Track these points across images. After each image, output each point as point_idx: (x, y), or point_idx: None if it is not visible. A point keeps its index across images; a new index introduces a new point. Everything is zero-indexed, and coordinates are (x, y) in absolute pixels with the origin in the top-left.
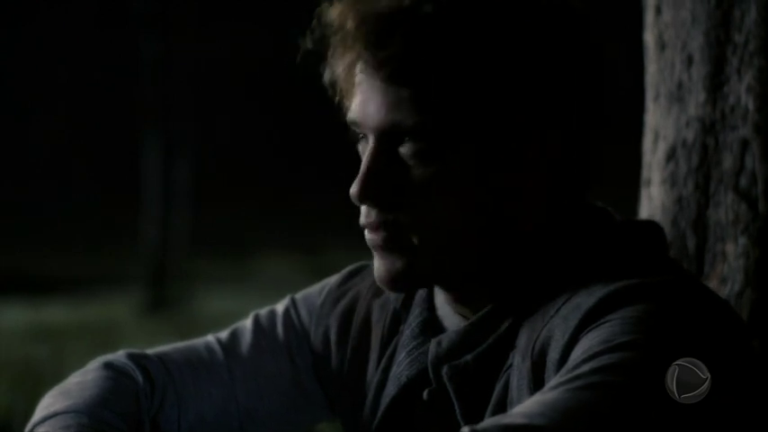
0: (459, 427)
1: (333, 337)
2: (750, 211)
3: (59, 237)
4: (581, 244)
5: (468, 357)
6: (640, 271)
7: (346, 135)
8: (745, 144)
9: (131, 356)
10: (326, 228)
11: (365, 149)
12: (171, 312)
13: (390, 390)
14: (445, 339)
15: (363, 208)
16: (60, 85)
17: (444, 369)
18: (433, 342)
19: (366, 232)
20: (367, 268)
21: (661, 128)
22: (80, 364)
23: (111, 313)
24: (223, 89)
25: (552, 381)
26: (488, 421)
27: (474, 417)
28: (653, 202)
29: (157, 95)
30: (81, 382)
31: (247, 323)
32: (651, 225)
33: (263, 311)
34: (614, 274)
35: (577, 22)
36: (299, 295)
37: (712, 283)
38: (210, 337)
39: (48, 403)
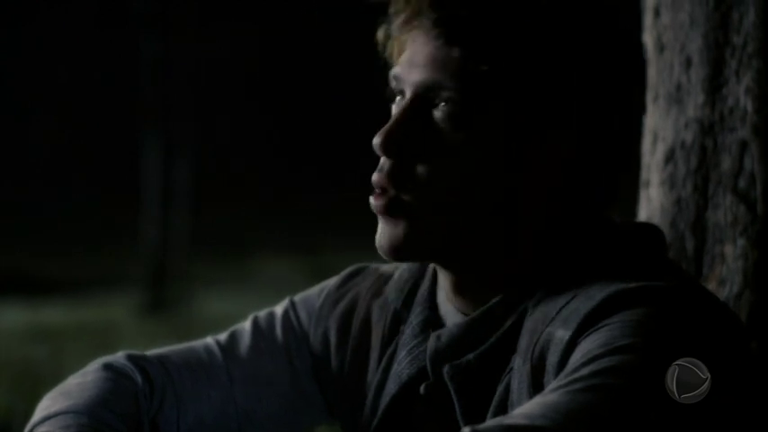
0: (459, 427)
1: (333, 339)
2: (749, 213)
3: (59, 237)
4: (582, 246)
5: (471, 356)
6: (640, 274)
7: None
8: (743, 146)
9: (131, 358)
10: (326, 228)
11: (398, 107)
12: (170, 313)
13: (391, 388)
14: (445, 334)
15: (380, 161)
16: (60, 85)
17: (446, 368)
18: (433, 336)
19: (372, 199)
20: (366, 269)
21: (660, 129)
22: (79, 365)
23: (111, 314)
24: (223, 89)
25: (552, 383)
26: (490, 422)
27: (474, 417)
28: (652, 203)
29: (157, 95)
30: (81, 383)
31: (246, 325)
32: (650, 227)
33: (262, 313)
34: (614, 278)
35: (626, 42)
36: (297, 297)
37: (711, 285)
38: (209, 339)
39: (47, 404)
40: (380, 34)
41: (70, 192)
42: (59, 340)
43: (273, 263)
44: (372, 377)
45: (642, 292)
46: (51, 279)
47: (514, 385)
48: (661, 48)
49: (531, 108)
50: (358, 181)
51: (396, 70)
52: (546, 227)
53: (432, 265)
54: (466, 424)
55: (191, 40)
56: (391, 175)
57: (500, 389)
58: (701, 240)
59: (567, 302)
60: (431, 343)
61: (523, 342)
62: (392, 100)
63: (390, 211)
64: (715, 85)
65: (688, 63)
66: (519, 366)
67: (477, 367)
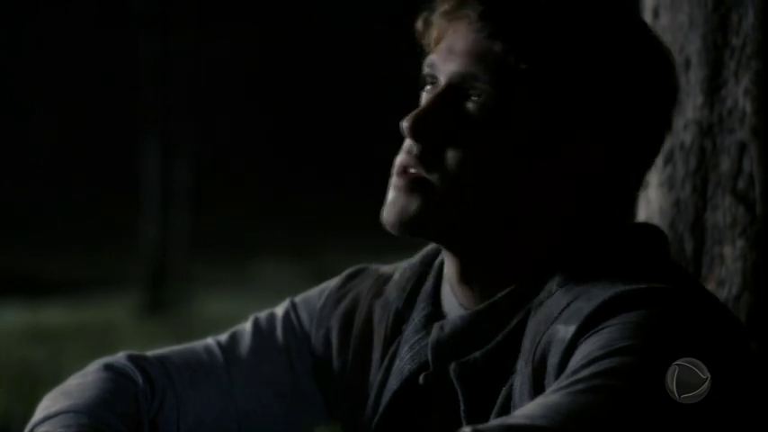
0: (460, 421)
1: (334, 340)
2: (747, 214)
3: (58, 237)
4: (586, 246)
5: (478, 355)
6: (642, 276)
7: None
8: (742, 147)
9: (131, 358)
10: (326, 229)
11: (430, 94)
12: (170, 314)
13: (392, 384)
14: (448, 324)
15: (407, 143)
16: (60, 85)
17: (453, 366)
18: (436, 326)
19: (393, 177)
20: (366, 270)
21: None
22: (78, 366)
23: (110, 315)
24: (223, 89)
25: (553, 385)
26: (491, 422)
27: (477, 415)
28: (650, 204)
29: (157, 95)
30: (81, 383)
31: (247, 326)
32: (652, 228)
33: (263, 314)
34: (615, 279)
35: (664, 62)
36: (298, 298)
37: (710, 286)
38: (210, 340)
39: (48, 404)
40: (420, 21)
41: (70, 192)
42: (58, 341)
43: (273, 264)
44: (374, 376)
45: (643, 294)
46: (50, 279)
47: (517, 386)
48: None
49: (564, 112)
50: (358, 181)
51: (432, 57)
52: (561, 228)
53: (437, 261)
54: (469, 422)
55: (191, 40)
56: (421, 157)
57: (504, 390)
58: (699, 241)
59: (569, 304)
60: (433, 333)
61: (526, 343)
62: (423, 86)
63: (411, 186)
64: (714, 87)
65: (687, 64)
66: (521, 368)
67: (484, 366)
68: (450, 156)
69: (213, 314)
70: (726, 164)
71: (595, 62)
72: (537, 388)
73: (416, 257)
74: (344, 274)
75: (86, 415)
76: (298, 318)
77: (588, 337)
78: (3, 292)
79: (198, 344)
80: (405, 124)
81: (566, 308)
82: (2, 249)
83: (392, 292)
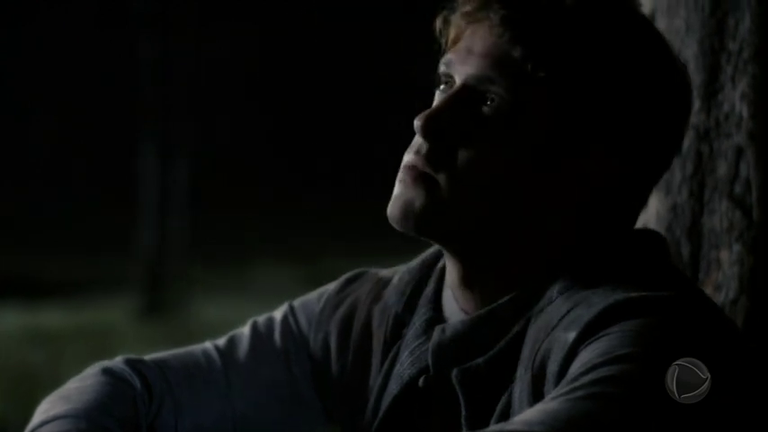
0: (461, 429)
1: (333, 344)
2: (745, 219)
3: (58, 238)
4: (587, 253)
5: (480, 361)
6: (642, 283)
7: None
8: (739, 151)
9: (129, 362)
10: (326, 231)
11: (444, 93)
12: (168, 317)
13: (392, 389)
14: (450, 328)
15: (416, 142)
16: (60, 85)
17: (455, 372)
18: (437, 329)
19: (400, 173)
20: (365, 274)
21: None
22: (77, 368)
23: (108, 318)
24: (223, 89)
25: (553, 392)
26: (490, 428)
27: (478, 422)
28: (647, 209)
29: (157, 96)
30: (79, 387)
31: (245, 330)
32: (653, 234)
33: (261, 318)
34: (616, 286)
35: (681, 81)
36: (297, 302)
37: (707, 291)
38: (208, 344)
39: (46, 407)
40: (439, 20)
41: (70, 192)
42: (56, 344)
43: (273, 266)
44: (374, 381)
45: (643, 302)
46: (49, 281)
47: (516, 393)
48: None
49: (579, 124)
50: (358, 181)
51: (449, 56)
52: (565, 237)
53: (438, 266)
54: (469, 427)
55: (191, 40)
56: (429, 156)
57: (504, 396)
58: (696, 246)
59: (569, 311)
60: (434, 337)
61: (526, 350)
62: (437, 85)
63: (418, 181)
64: (711, 91)
65: None
66: (521, 374)
67: (486, 373)
68: (460, 157)
69: (212, 317)
70: (723, 168)
71: (614, 75)
72: (536, 395)
73: (415, 262)
74: (343, 278)
75: (85, 419)
76: (296, 322)
77: (588, 344)
78: (1, 294)
79: (196, 348)
80: (417, 122)
81: (565, 315)
82: (1, 250)
83: (391, 296)
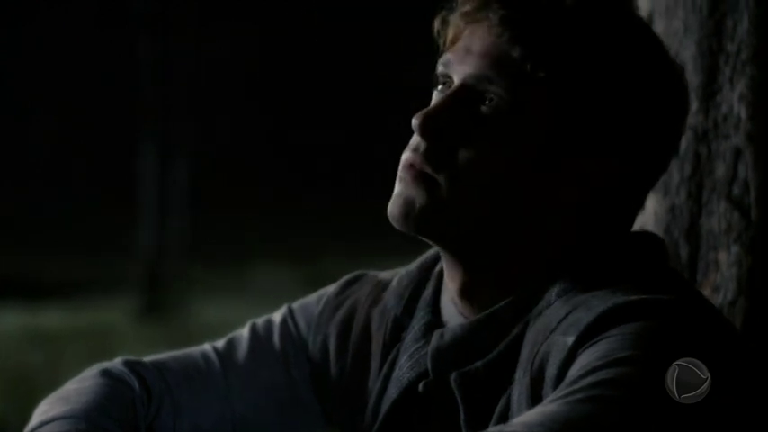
0: (459, 429)
1: (332, 346)
2: (743, 220)
3: (58, 238)
4: (586, 256)
5: (479, 364)
6: (641, 286)
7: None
8: (737, 153)
9: (128, 364)
10: (326, 231)
11: (442, 93)
12: (168, 318)
13: (392, 393)
14: (448, 332)
15: (414, 140)
16: (60, 85)
17: (454, 375)
18: (436, 333)
19: (400, 171)
20: (364, 277)
21: None
22: (76, 369)
23: (108, 318)
24: (223, 89)
25: (551, 395)
26: (488, 430)
27: (477, 425)
28: (645, 210)
29: (157, 96)
30: (78, 388)
31: (244, 332)
32: (652, 237)
33: (260, 320)
34: (614, 289)
35: (678, 84)
36: (296, 304)
37: (705, 292)
38: (207, 346)
39: (45, 408)
40: (438, 20)
41: (70, 192)
42: (56, 345)
43: (272, 267)
44: (373, 384)
45: (642, 305)
46: (49, 281)
47: (515, 397)
48: None
49: (578, 123)
50: (358, 181)
51: (447, 56)
52: (565, 237)
53: (436, 269)
54: (468, 431)
55: (191, 40)
56: (427, 156)
57: (503, 400)
58: (694, 247)
59: (567, 314)
60: (433, 341)
61: (525, 353)
62: (435, 85)
63: (418, 179)
64: (709, 93)
65: None
66: (520, 378)
67: (485, 376)
68: (460, 157)
69: (211, 318)
70: (721, 170)
71: (612, 75)
72: (535, 398)
73: (414, 265)
74: (343, 280)
75: (84, 420)
76: (295, 324)
77: (587, 347)
78: (1, 294)
79: (195, 350)
80: (415, 121)
81: (564, 318)
82: (1, 250)
83: (390, 299)
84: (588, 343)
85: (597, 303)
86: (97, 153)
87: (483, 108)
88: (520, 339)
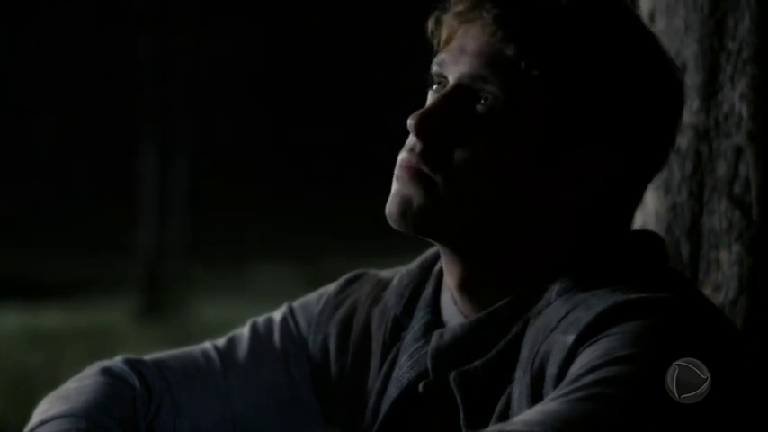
0: (459, 429)
1: (332, 345)
2: (744, 219)
3: (58, 238)
4: (586, 255)
5: (478, 364)
6: (641, 284)
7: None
8: (738, 151)
9: (128, 362)
10: (326, 231)
11: (437, 93)
12: (168, 318)
13: (392, 392)
14: (448, 332)
15: (410, 141)
16: (60, 85)
17: (453, 375)
18: (436, 334)
19: (396, 171)
20: (365, 275)
21: None
22: (76, 369)
23: (108, 318)
24: (223, 89)
25: (552, 393)
26: (489, 428)
27: (477, 424)
28: (646, 209)
29: (157, 95)
30: (79, 386)
31: (244, 331)
32: (652, 236)
33: (261, 319)
34: (615, 288)
35: (674, 81)
36: (296, 303)
37: (706, 291)
38: (207, 345)
39: (45, 407)
40: (432, 20)
41: (70, 192)
42: (55, 344)
43: (272, 267)
44: (373, 383)
45: (642, 303)
46: (49, 281)
47: (515, 395)
48: None
49: (573, 122)
50: (358, 181)
51: (442, 56)
52: (565, 237)
53: (436, 269)
54: (468, 430)
55: (191, 40)
56: (423, 155)
57: (503, 399)
58: (696, 246)
59: (567, 313)
60: (433, 340)
61: (525, 352)
62: (430, 86)
63: (415, 178)
64: (710, 91)
65: (683, 69)
66: (520, 377)
67: (484, 375)
68: (456, 157)
69: (211, 318)
70: (722, 168)
71: (607, 73)
72: (535, 397)
73: (414, 264)
74: (343, 279)
75: (84, 419)
76: (295, 323)
77: (587, 346)
78: (1, 294)
79: (195, 348)
80: (410, 122)
81: (564, 317)
82: (1, 250)
83: (390, 298)
84: (588, 342)
85: (597, 302)
86: (97, 153)
87: (478, 107)
88: (520, 338)
